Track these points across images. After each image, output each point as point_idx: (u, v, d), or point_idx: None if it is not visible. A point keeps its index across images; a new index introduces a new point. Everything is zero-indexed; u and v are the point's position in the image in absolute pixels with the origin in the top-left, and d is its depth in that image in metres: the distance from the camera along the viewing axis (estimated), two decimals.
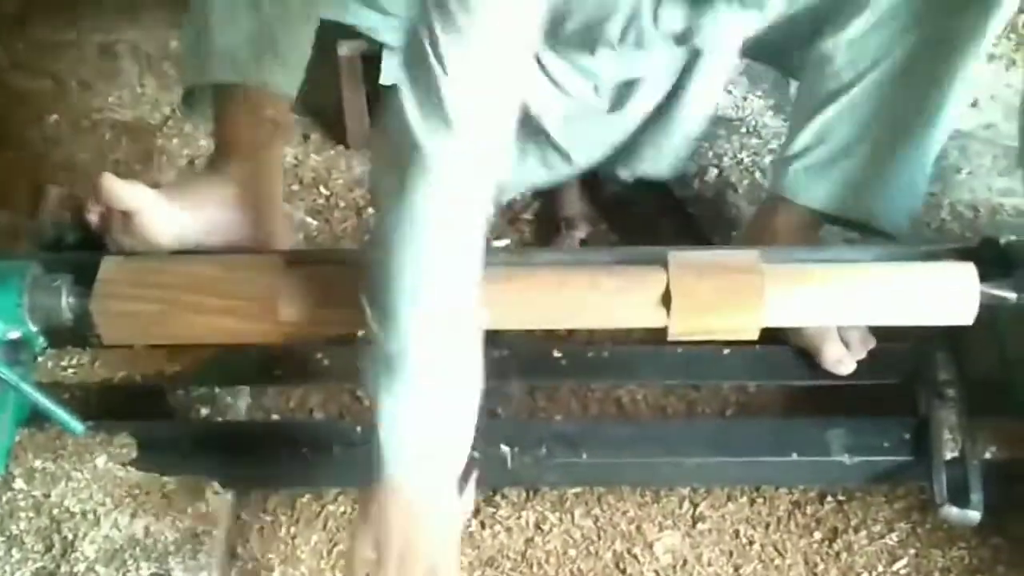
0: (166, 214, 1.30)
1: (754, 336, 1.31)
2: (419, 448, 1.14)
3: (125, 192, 1.27)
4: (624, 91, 1.49)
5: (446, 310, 1.10)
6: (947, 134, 1.45)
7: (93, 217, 1.32)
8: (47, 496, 1.33)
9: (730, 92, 1.90)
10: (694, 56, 1.47)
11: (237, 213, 1.32)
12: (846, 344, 1.44)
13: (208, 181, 1.34)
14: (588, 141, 1.52)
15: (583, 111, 1.51)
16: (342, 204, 1.79)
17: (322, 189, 1.81)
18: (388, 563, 1.12)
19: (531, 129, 1.49)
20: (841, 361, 1.43)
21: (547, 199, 1.75)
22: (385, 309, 1.10)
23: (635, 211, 1.76)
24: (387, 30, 1.49)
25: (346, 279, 1.25)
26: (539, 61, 1.45)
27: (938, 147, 1.44)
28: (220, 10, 1.33)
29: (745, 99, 1.88)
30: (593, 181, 1.73)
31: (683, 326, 1.29)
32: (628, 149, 1.58)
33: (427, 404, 1.13)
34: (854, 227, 1.51)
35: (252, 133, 1.32)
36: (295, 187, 1.80)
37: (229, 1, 1.33)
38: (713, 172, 1.85)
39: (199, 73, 1.36)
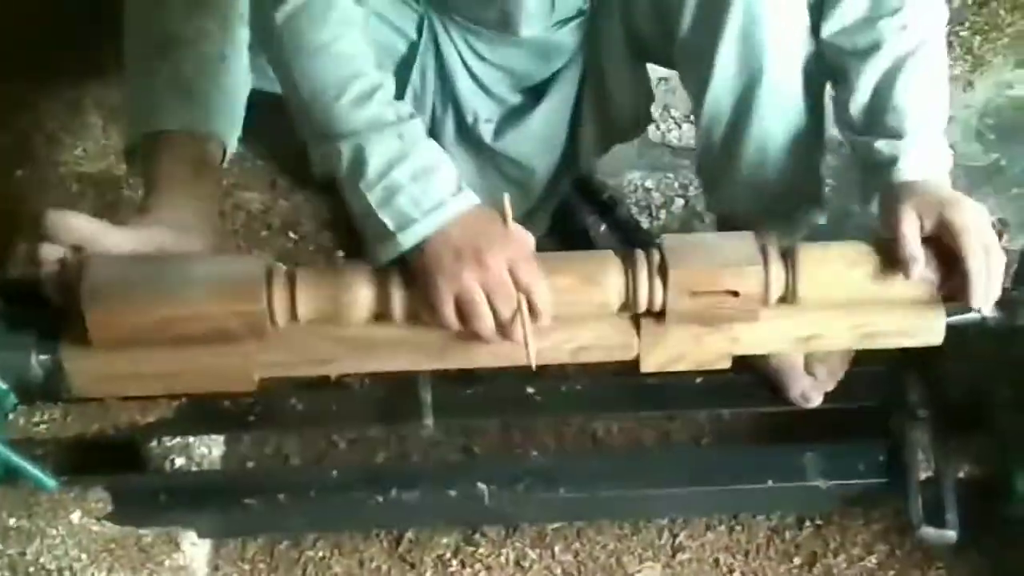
0: (116, 238, 1.27)
1: (727, 365, 1.31)
2: (418, 185, 1.17)
3: (72, 221, 1.26)
4: (543, 86, 1.54)
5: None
6: (817, 103, 1.41)
7: (51, 268, 1.27)
8: (22, 554, 1.32)
9: (692, 122, 1.91)
10: (591, 36, 1.51)
11: (171, 231, 1.30)
12: (813, 376, 1.44)
13: (140, 215, 1.33)
14: (529, 140, 1.56)
15: (513, 113, 1.56)
16: (311, 248, 1.80)
17: (291, 234, 1.81)
18: (472, 284, 1.15)
19: (476, 147, 1.55)
20: (806, 396, 1.44)
21: None
22: (319, 132, 1.21)
23: (603, 241, 1.77)
24: None
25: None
26: (466, 67, 1.51)
27: (812, 116, 1.40)
28: (137, 66, 1.38)
29: None
30: (562, 212, 1.75)
31: (655, 359, 1.29)
32: (580, 140, 1.60)
33: (397, 152, 1.18)
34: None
35: (172, 171, 1.33)
36: (264, 233, 1.80)
37: (144, 55, 1.37)
38: (679, 202, 1.86)
39: (129, 130, 1.39)
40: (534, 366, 1.20)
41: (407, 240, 1.17)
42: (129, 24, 1.40)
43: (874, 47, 1.30)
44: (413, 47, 1.50)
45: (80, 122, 1.97)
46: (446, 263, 1.16)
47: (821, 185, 1.47)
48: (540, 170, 1.60)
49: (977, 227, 1.22)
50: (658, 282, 1.21)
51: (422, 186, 1.17)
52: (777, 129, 1.38)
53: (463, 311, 1.17)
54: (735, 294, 1.22)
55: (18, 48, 2.04)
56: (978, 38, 2.00)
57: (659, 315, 1.24)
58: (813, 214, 1.47)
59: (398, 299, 1.20)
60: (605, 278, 1.22)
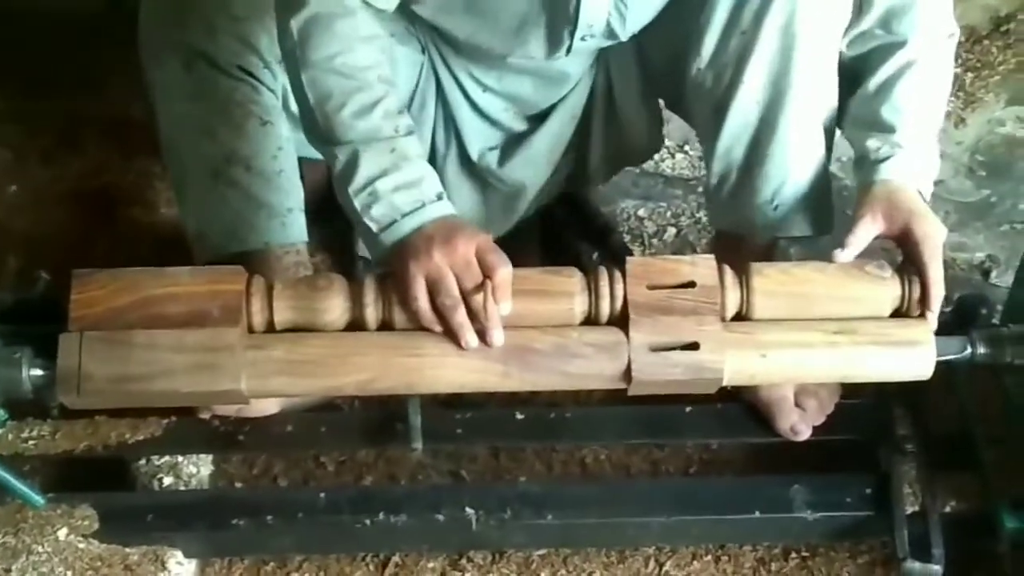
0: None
1: (719, 377, 1.29)
2: (399, 195, 1.25)
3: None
4: (546, 111, 1.57)
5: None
6: (831, 120, 1.43)
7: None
8: (8, 571, 1.32)
9: (686, 152, 1.92)
10: (602, 63, 1.53)
11: None
12: (803, 410, 1.45)
13: None
14: (532, 163, 1.58)
15: (516, 138, 1.58)
16: None
17: None
18: (442, 263, 1.21)
19: (478, 179, 1.57)
20: (795, 429, 1.45)
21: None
22: (320, 136, 1.29)
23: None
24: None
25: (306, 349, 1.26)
26: (468, 99, 1.53)
27: (828, 135, 1.43)
28: (203, 192, 1.46)
29: (702, 159, 1.90)
30: (555, 239, 1.76)
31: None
32: (588, 164, 1.63)
33: (387, 165, 1.25)
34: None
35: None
36: None
37: (207, 182, 1.45)
38: (671, 231, 1.87)
39: (207, 251, 1.47)
40: (498, 343, 1.23)
41: (388, 239, 1.24)
42: (178, 151, 1.47)
43: (886, 50, 1.36)
44: (414, 83, 1.51)
45: (75, 139, 1.97)
46: (420, 248, 1.22)
47: (831, 207, 1.48)
48: (540, 191, 1.61)
49: (936, 241, 1.29)
50: (617, 275, 1.26)
51: (403, 195, 1.25)
52: (798, 151, 1.40)
53: (432, 289, 1.21)
54: (692, 284, 1.25)
55: (14, 65, 2.05)
56: (970, 75, 2.02)
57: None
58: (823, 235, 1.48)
59: (371, 301, 1.25)
60: (568, 272, 1.28)
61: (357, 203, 1.25)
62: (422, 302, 1.22)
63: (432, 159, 1.56)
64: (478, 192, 1.59)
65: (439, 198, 1.26)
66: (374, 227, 1.25)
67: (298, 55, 1.28)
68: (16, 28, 2.08)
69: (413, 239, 1.23)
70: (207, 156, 1.45)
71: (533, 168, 1.59)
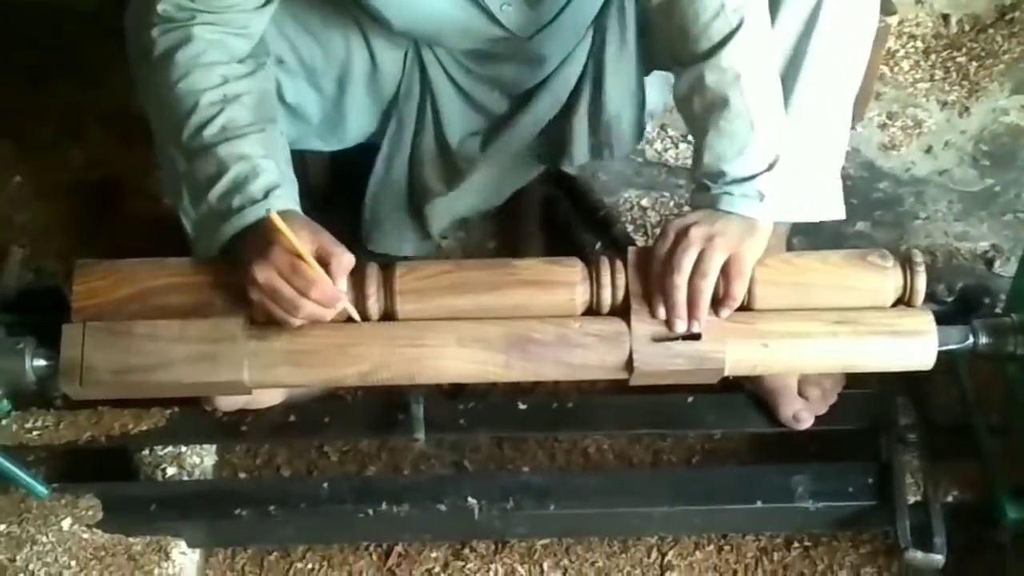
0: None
1: (721, 366, 1.29)
2: (223, 201, 1.22)
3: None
4: (531, 94, 1.54)
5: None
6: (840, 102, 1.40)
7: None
8: (12, 560, 1.33)
9: (689, 142, 1.92)
10: (596, 48, 1.50)
11: None
12: (806, 399, 1.45)
13: None
14: (515, 147, 1.56)
15: (500, 121, 1.55)
16: None
17: None
18: (273, 277, 1.18)
19: (455, 168, 1.54)
20: (797, 417, 1.45)
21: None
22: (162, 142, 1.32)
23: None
24: (309, 138, 1.52)
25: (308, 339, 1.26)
26: (453, 83, 1.51)
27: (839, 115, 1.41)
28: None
29: None
30: (558, 231, 1.76)
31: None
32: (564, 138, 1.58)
33: (212, 172, 1.23)
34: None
35: None
36: None
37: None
38: None
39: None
40: (358, 318, 1.24)
41: (213, 247, 1.23)
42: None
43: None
44: (400, 71, 1.50)
45: (78, 130, 1.97)
46: (245, 261, 1.19)
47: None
48: (520, 178, 1.59)
49: (689, 248, 1.21)
50: (619, 264, 1.25)
51: (225, 201, 1.22)
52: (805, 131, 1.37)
53: (270, 297, 1.19)
54: None
55: (18, 55, 2.05)
56: (974, 64, 2.01)
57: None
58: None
59: (373, 292, 1.25)
60: (570, 262, 1.28)
61: (187, 220, 1.28)
62: (270, 308, 1.20)
63: (413, 149, 1.55)
64: (456, 182, 1.56)
65: (265, 196, 1.21)
66: (199, 234, 1.25)
67: (146, 83, 1.30)
68: (17, 19, 2.08)
69: (241, 249, 1.21)
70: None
71: (512, 153, 1.56)
